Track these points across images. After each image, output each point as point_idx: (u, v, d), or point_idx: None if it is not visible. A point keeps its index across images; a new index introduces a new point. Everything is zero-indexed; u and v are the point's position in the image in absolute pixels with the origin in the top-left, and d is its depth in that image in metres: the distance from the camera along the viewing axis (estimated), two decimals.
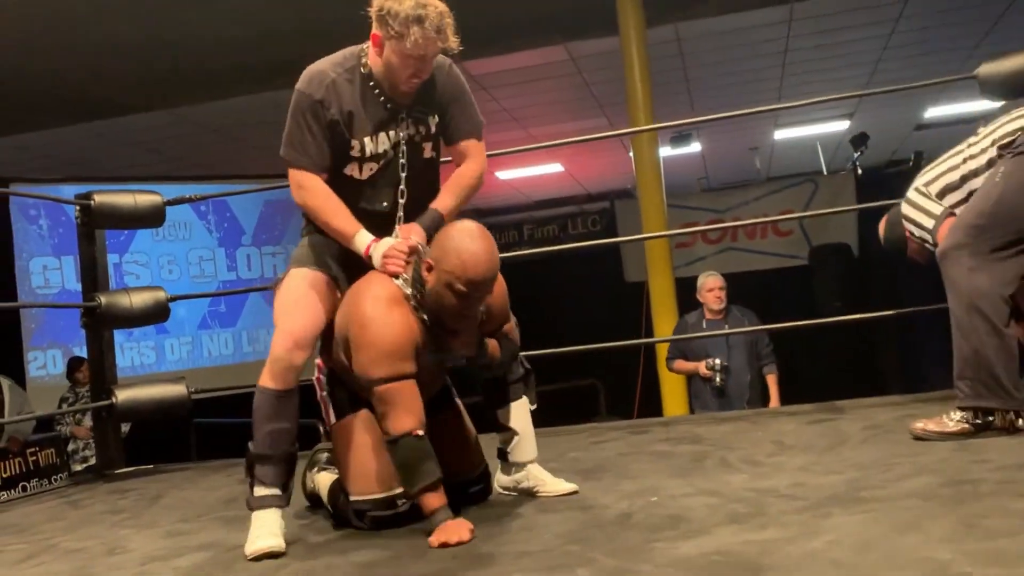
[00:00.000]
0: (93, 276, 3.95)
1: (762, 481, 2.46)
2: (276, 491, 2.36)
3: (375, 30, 2.39)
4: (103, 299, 3.83)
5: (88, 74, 8.23)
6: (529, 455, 2.61)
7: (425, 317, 2.33)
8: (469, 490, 2.57)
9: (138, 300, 3.89)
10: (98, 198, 3.87)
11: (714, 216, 9.57)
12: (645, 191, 7.23)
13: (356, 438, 2.39)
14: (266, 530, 2.29)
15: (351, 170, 2.49)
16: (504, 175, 13.44)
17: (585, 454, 3.21)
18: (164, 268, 7.88)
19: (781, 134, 12.42)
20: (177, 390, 3.94)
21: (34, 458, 6.06)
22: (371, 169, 2.49)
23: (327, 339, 2.49)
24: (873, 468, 2.47)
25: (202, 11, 7.38)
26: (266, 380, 2.40)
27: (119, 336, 7.64)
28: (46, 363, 7.57)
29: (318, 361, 2.52)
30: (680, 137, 11.74)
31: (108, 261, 4.10)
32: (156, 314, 3.95)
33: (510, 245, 10.39)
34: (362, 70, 2.47)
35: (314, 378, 2.52)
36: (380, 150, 2.48)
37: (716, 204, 9.68)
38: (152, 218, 4.02)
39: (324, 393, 2.46)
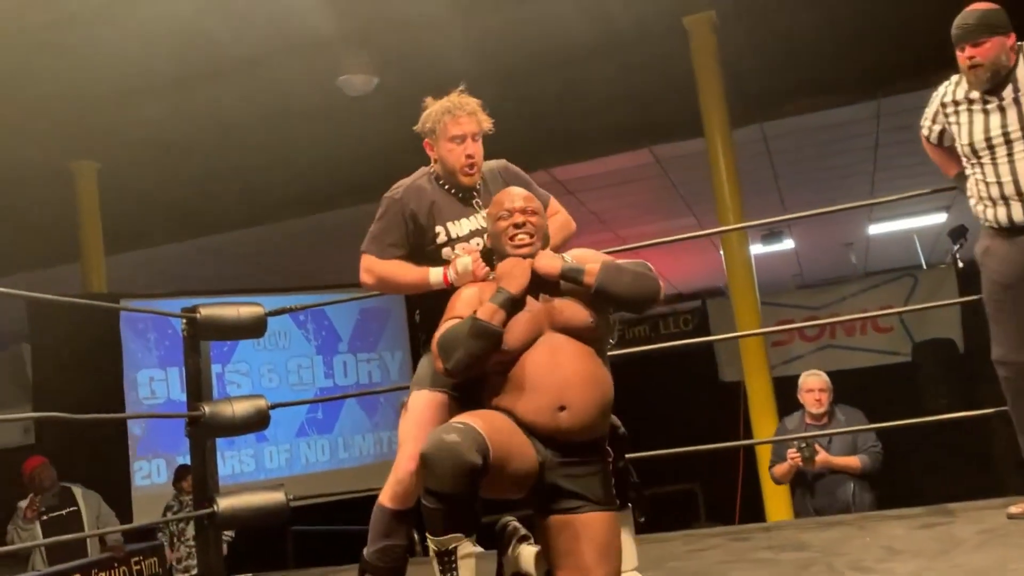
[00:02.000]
0: (198, 386, 4.07)
1: None
2: None
3: (425, 141, 2.77)
4: (207, 408, 3.93)
5: (196, 194, 8.68)
6: (629, 564, 2.55)
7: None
8: None
9: (240, 409, 3.97)
10: (203, 311, 4.01)
11: (810, 313, 9.39)
12: (737, 289, 7.16)
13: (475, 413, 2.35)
14: None
15: (446, 256, 2.71)
16: None
17: (683, 563, 3.13)
18: (264, 376, 8.08)
19: (876, 228, 12.22)
20: (276, 498, 3.98)
21: (138, 567, 6.17)
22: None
23: None
24: (990, 574, 2.34)
25: (300, 136, 7.76)
26: (385, 498, 2.60)
27: (220, 444, 7.81)
28: (150, 472, 7.76)
29: None
30: (772, 234, 11.67)
31: (212, 371, 4.22)
32: (257, 422, 4.02)
33: None
34: (432, 175, 2.79)
35: None
36: (464, 232, 2.71)
37: (812, 301, 9.52)
38: (254, 329, 4.14)
39: None
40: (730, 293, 7.33)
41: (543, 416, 2.31)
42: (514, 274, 2.42)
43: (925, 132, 3.30)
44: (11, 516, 6.10)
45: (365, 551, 2.64)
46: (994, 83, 2.98)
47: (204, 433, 3.99)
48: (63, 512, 6.12)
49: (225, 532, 5.84)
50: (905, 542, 2.97)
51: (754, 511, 6.97)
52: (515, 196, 2.54)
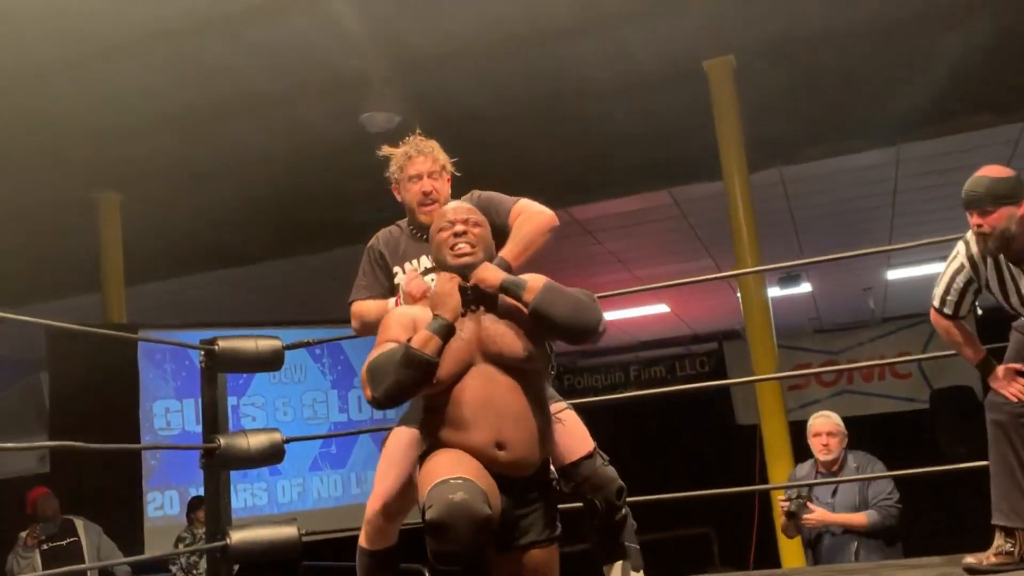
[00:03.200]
0: (214, 418, 4.09)
1: None
2: None
3: (393, 187, 2.94)
4: (222, 441, 3.95)
5: (218, 227, 8.76)
6: None
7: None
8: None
9: (255, 442, 4.00)
10: (222, 343, 4.05)
11: (828, 358, 9.37)
12: (754, 332, 7.15)
13: (442, 455, 2.31)
14: None
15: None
16: (609, 316, 13.49)
17: None
18: (279, 410, 8.09)
19: (895, 274, 12.16)
20: (289, 532, 3.99)
21: None
22: None
23: None
24: None
25: (324, 168, 7.84)
26: (362, 540, 2.67)
27: (233, 477, 7.81)
28: (163, 504, 7.75)
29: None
30: (789, 278, 11.62)
31: (228, 403, 4.24)
32: (272, 455, 4.05)
33: (616, 386, 10.34)
34: (406, 220, 2.97)
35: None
36: (420, 270, 2.82)
37: (830, 346, 9.49)
38: (272, 362, 4.17)
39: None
40: (747, 335, 7.31)
41: (482, 456, 2.26)
42: (446, 299, 2.34)
43: (942, 306, 3.18)
44: (13, 545, 6.13)
45: None
46: (1005, 250, 2.99)
47: (219, 465, 4.00)
48: (63, 543, 6.15)
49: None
50: None
51: (769, 557, 6.91)
52: (457, 208, 2.56)
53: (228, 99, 6.64)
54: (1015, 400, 3.03)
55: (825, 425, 4.55)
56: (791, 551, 5.91)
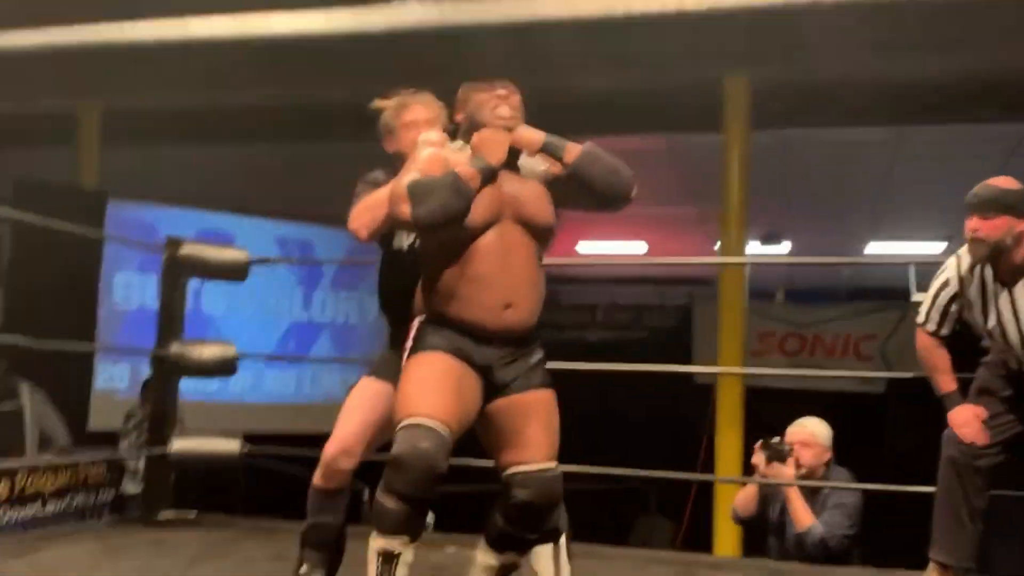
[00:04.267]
0: (170, 323, 4.01)
1: None
2: (320, 571, 2.66)
3: (386, 143, 2.82)
4: (175, 348, 3.88)
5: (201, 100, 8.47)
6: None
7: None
8: (514, 491, 2.31)
9: (208, 353, 3.94)
10: (186, 249, 3.94)
11: (793, 330, 9.38)
12: (727, 288, 7.09)
13: (424, 366, 2.30)
14: None
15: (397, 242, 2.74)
16: (585, 247, 13.41)
17: None
18: (241, 299, 7.97)
19: (875, 247, 12.16)
20: (231, 447, 3.96)
21: (84, 474, 6.13)
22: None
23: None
24: None
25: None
26: (317, 479, 2.67)
27: None
28: (113, 376, 7.70)
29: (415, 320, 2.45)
30: (770, 236, 11.62)
31: (184, 307, 4.15)
32: (224, 369, 3.99)
33: (583, 325, 10.32)
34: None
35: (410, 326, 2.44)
36: None
37: (798, 317, 9.49)
38: (237, 273, 4.08)
39: (411, 340, 2.39)
40: (719, 291, 7.27)
41: (491, 315, 2.32)
42: (493, 145, 2.40)
43: (926, 321, 3.13)
44: None
45: (303, 527, 2.72)
46: (995, 261, 2.94)
47: (170, 372, 3.94)
48: (4, 409, 6.01)
49: None
50: None
51: (705, 512, 6.92)
52: (496, 80, 2.53)
53: None
54: (966, 443, 3.01)
55: (798, 434, 3.92)
56: (726, 531, 5.84)
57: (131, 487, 6.30)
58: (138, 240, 6.49)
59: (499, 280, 2.33)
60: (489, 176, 2.37)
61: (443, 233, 2.34)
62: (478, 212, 2.33)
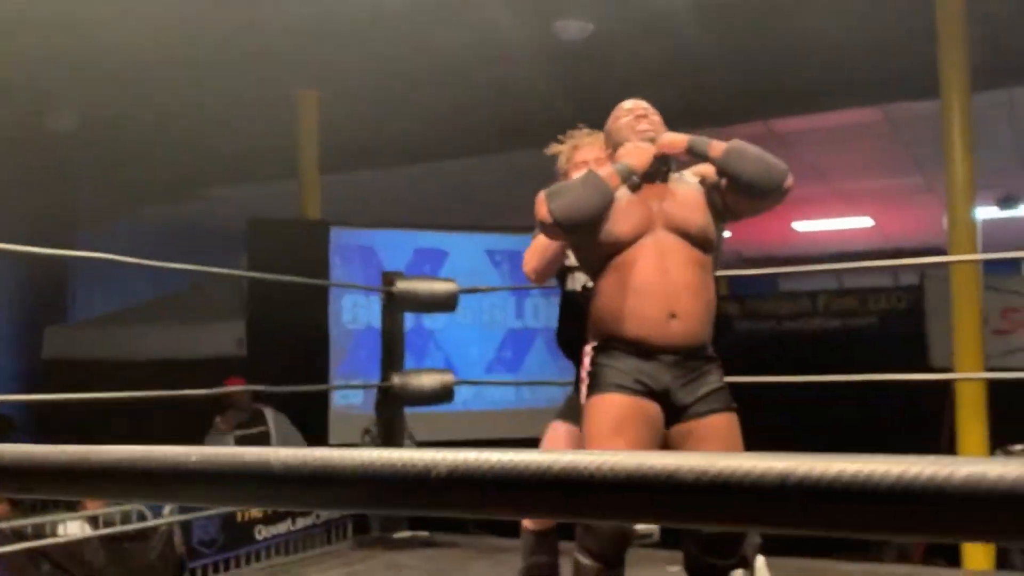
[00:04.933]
0: (391, 355, 4.21)
1: None
2: None
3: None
4: (397, 380, 4.06)
5: (412, 125, 8.84)
6: None
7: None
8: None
9: (428, 381, 4.11)
10: (400, 285, 4.11)
11: None
12: (957, 254, 6.58)
13: (603, 416, 2.33)
14: None
15: None
16: (803, 226, 12.93)
17: None
18: (459, 313, 8.20)
19: None
20: None
21: None
22: None
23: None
24: None
25: (517, 73, 7.70)
26: (525, 521, 2.80)
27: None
28: (348, 394, 8.17)
29: (586, 347, 2.49)
30: (1008, 199, 10.79)
31: (404, 341, 4.33)
32: (443, 396, 4.14)
33: (801, 315, 9.91)
34: None
35: (583, 356, 2.49)
36: None
37: None
38: (446, 304, 4.23)
39: (586, 372, 2.44)
40: (949, 265, 6.78)
41: (657, 327, 2.33)
42: (636, 151, 2.46)
43: None
44: (208, 428, 6.57)
45: (522, 565, 2.87)
46: None
47: (394, 403, 4.13)
48: (254, 431, 6.54)
49: None
50: None
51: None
52: (635, 101, 2.63)
53: (426, 3, 6.60)
54: None
55: None
56: (975, 548, 5.42)
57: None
58: (359, 285, 6.81)
59: (659, 288, 2.35)
60: (631, 180, 2.41)
61: (584, 234, 2.37)
62: (628, 224, 2.39)
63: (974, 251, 6.62)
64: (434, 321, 8.19)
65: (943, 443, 7.16)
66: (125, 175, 10.21)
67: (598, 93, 7.85)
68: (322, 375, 8.02)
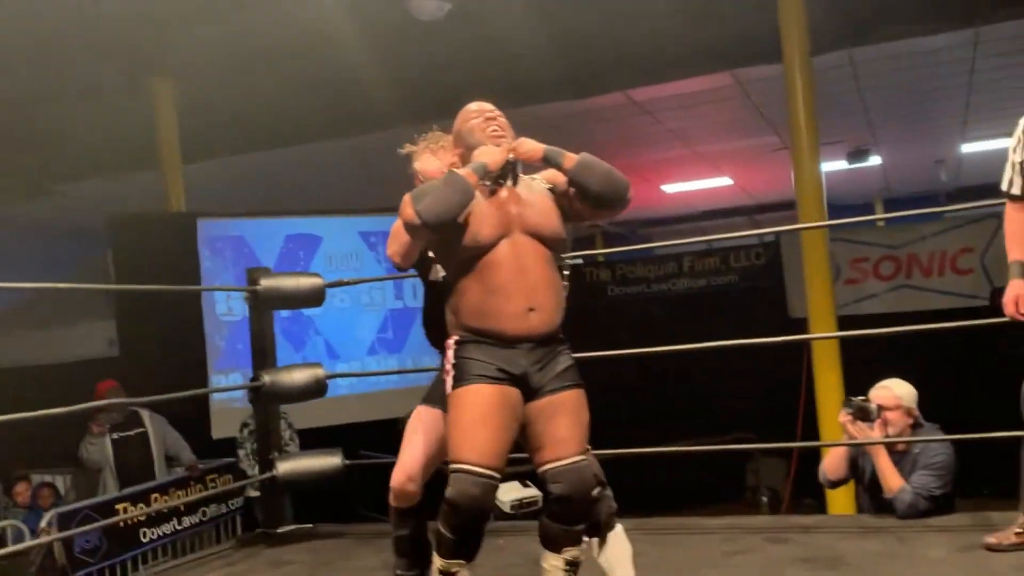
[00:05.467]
0: (262, 354, 4.23)
1: None
2: (409, 572, 2.97)
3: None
4: (267, 378, 4.10)
5: (269, 108, 8.72)
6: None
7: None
8: (551, 487, 2.50)
9: (299, 377, 4.14)
10: (264, 283, 4.13)
11: (887, 252, 9.13)
12: (805, 210, 6.96)
13: (469, 406, 2.47)
14: None
15: None
16: (670, 188, 13.34)
17: (718, 574, 3.19)
18: (337, 296, 8.23)
19: (970, 147, 11.74)
20: (333, 462, 4.17)
21: (213, 484, 6.50)
22: None
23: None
24: None
25: (373, 52, 7.68)
26: (391, 500, 2.96)
27: (294, 359, 8.06)
28: (227, 386, 8.09)
29: (448, 341, 2.60)
30: (858, 152, 11.36)
31: (275, 337, 4.36)
32: (315, 391, 4.19)
33: (669, 277, 10.27)
34: None
35: (446, 348, 2.60)
36: None
37: (890, 239, 9.22)
38: (314, 299, 4.26)
39: (450, 364, 2.55)
40: (798, 216, 7.16)
41: (517, 321, 2.50)
42: (491, 152, 2.60)
43: (1009, 187, 3.00)
44: (84, 433, 6.43)
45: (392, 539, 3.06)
46: None
47: (266, 400, 4.16)
48: (131, 433, 6.44)
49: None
50: (938, 572, 2.98)
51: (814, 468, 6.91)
52: (481, 103, 2.74)
53: None
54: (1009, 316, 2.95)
55: (881, 397, 3.71)
56: (837, 494, 5.66)
57: (253, 491, 6.67)
58: (224, 287, 6.72)
59: (518, 287, 2.51)
60: (485, 174, 2.56)
61: (446, 233, 2.51)
62: (488, 228, 2.53)
63: (821, 205, 7.01)
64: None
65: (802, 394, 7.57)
66: None
67: (456, 72, 7.97)
68: (200, 370, 7.92)
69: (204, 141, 8.89)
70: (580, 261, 2.66)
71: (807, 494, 7.85)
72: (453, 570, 2.47)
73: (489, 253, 2.52)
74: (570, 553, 2.54)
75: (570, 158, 2.61)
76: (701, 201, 14.34)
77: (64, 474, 7.08)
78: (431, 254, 2.81)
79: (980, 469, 4.75)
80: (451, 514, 2.42)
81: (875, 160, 11.89)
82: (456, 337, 2.56)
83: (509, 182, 2.62)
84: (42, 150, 9.14)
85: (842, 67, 8.54)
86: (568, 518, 2.51)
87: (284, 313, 7.31)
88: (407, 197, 2.52)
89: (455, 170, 2.56)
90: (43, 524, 5.21)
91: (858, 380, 4.42)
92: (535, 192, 2.66)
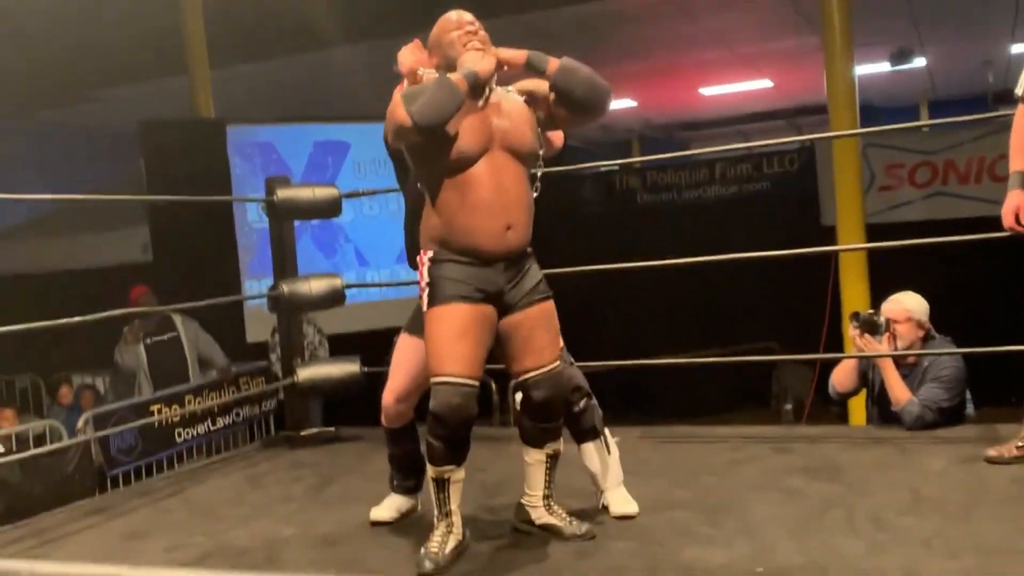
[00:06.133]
0: (282, 263, 4.31)
1: (876, 558, 2.44)
2: (406, 483, 3.06)
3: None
4: (285, 288, 4.18)
5: (295, 9, 8.62)
6: (612, 483, 2.94)
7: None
8: (531, 393, 2.63)
9: (317, 287, 4.22)
10: (280, 194, 4.17)
11: (923, 158, 8.91)
12: (837, 115, 6.80)
13: (447, 322, 2.50)
14: (385, 505, 3.03)
15: None
16: (709, 91, 13.08)
17: (717, 481, 3.25)
18: (366, 203, 8.29)
19: (1019, 48, 11.34)
20: (351, 369, 4.27)
21: (246, 386, 6.69)
22: None
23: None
24: (999, 554, 2.39)
25: None
26: (383, 421, 3.07)
27: (325, 266, 8.16)
28: (261, 291, 8.22)
29: (421, 255, 2.63)
30: (901, 54, 11.01)
31: (295, 247, 4.42)
32: (332, 300, 4.26)
33: (700, 184, 10.14)
34: None
35: (419, 263, 2.62)
36: None
37: (925, 145, 8.97)
38: (329, 210, 4.31)
39: (425, 282, 2.58)
40: (829, 120, 7.00)
41: (495, 239, 2.53)
42: (480, 60, 2.55)
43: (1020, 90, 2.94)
44: (118, 339, 6.59)
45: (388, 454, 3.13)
46: None
47: (285, 309, 4.25)
48: (164, 337, 6.58)
49: None
50: (936, 485, 3.01)
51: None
52: (460, 13, 2.67)
53: None
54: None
55: (892, 311, 3.70)
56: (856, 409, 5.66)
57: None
58: (249, 198, 6.75)
59: (497, 205, 2.53)
60: (475, 81, 2.51)
61: (431, 142, 2.47)
62: (470, 142, 2.52)
63: (853, 110, 6.85)
64: (343, 214, 8.24)
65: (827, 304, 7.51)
66: (12, 78, 9.86)
67: None
68: (233, 275, 8.07)
69: (231, 46, 8.85)
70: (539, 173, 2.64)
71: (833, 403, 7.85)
72: (446, 476, 2.56)
73: (470, 168, 2.52)
74: (551, 447, 2.71)
75: (553, 62, 2.58)
76: (740, 104, 14.07)
77: (104, 376, 7.28)
78: (408, 161, 2.73)
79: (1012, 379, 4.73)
80: (437, 424, 2.50)
81: (919, 62, 11.55)
82: (431, 253, 2.57)
83: (487, 93, 2.59)
84: (78, 57, 9.17)
85: None
86: (547, 418, 2.67)
87: (315, 220, 7.39)
88: (397, 96, 2.49)
89: (447, 75, 2.50)
90: (80, 424, 5.42)
91: (886, 290, 4.39)
92: (514, 105, 2.64)
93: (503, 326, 2.59)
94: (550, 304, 2.67)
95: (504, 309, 2.59)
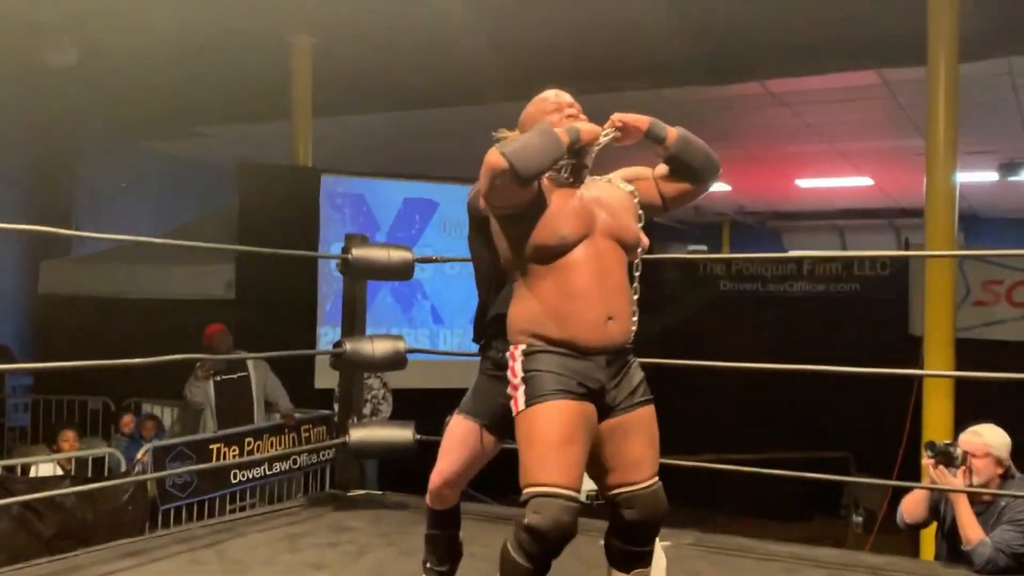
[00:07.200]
0: (351, 320, 4.31)
1: None
2: (439, 567, 2.94)
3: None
4: (349, 346, 4.17)
5: (405, 69, 8.81)
6: None
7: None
8: (623, 512, 2.38)
9: (380, 348, 4.19)
10: (355, 252, 4.19)
11: (1023, 277, 8.57)
12: (934, 222, 6.54)
13: (553, 422, 2.27)
14: None
15: None
16: (805, 183, 12.89)
17: None
18: (447, 264, 8.29)
19: None
20: (405, 435, 4.22)
21: (306, 434, 6.71)
22: None
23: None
24: None
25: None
26: (428, 501, 2.95)
27: (399, 322, 8.19)
28: (334, 339, 8.29)
29: (512, 350, 2.42)
30: (1011, 165, 10.74)
31: (365, 306, 4.43)
32: (394, 363, 4.23)
33: (786, 278, 9.93)
34: None
35: (510, 358, 2.41)
36: None
37: None
38: (402, 272, 4.30)
39: (519, 378, 2.35)
40: (925, 231, 6.75)
41: (596, 330, 2.33)
42: (585, 124, 2.43)
43: None
44: (190, 372, 6.67)
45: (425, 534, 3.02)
46: None
47: (346, 367, 4.24)
48: (234, 376, 6.64)
49: None
50: None
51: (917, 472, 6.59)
52: (559, 93, 2.54)
53: None
54: None
55: (970, 443, 3.47)
56: (928, 536, 5.36)
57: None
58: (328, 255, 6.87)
59: (598, 294, 2.34)
60: (576, 139, 2.36)
61: (522, 227, 2.33)
62: (569, 225, 2.35)
63: (951, 218, 6.60)
64: (422, 270, 8.28)
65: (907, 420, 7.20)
66: (123, 110, 10.28)
67: (594, 50, 7.85)
68: (309, 320, 8.16)
69: (335, 98, 9.06)
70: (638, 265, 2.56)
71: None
72: None
73: (569, 253, 2.33)
74: (641, 573, 2.46)
75: (672, 132, 2.47)
76: (837, 199, 13.83)
77: (171, 407, 7.39)
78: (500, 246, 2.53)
79: None
80: (536, 541, 2.21)
81: None
82: (523, 346, 2.36)
83: (583, 176, 2.45)
84: (187, 92, 9.52)
85: (1001, 75, 8.07)
86: (639, 541, 2.43)
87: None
88: (494, 147, 2.30)
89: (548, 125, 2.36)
90: (139, 455, 5.48)
91: (972, 409, 4.16)
92: (616, 192, 2.49)
93: (600, 430, 2.35)
94: (651, 410, 2.42)
95: (604, 410, 2.35)
